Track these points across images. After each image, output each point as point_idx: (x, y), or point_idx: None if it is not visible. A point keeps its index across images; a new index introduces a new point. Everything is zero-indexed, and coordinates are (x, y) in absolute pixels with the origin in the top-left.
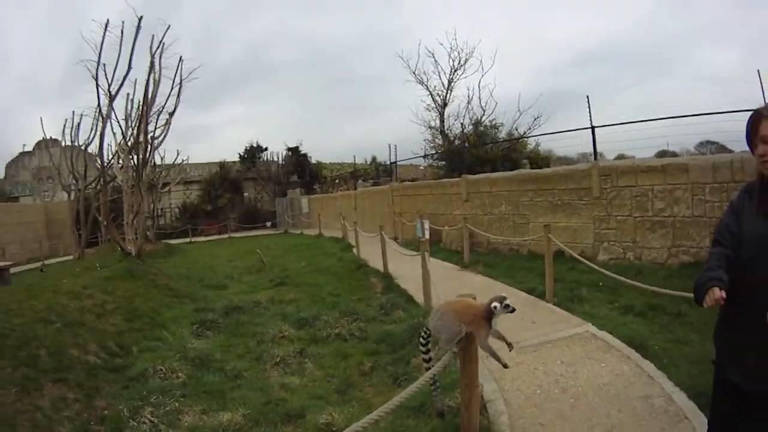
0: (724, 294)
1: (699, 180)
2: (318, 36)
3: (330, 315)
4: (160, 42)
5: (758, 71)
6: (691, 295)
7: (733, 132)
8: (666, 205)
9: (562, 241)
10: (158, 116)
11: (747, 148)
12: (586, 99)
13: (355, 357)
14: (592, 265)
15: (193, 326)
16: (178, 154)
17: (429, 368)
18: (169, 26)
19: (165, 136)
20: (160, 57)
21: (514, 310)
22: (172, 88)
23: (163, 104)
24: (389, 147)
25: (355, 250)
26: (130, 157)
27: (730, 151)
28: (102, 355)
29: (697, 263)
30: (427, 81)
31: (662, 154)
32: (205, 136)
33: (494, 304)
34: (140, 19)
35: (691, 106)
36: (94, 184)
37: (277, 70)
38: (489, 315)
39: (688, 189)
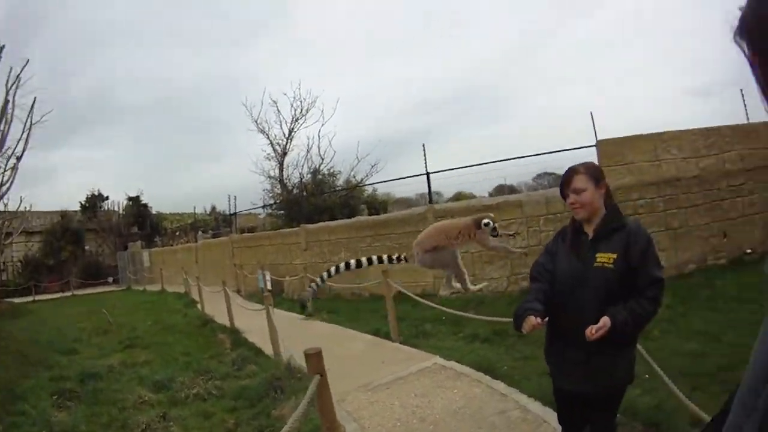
0: (539, 320)
1: (533, 213)
2: (165, 79)
3: (185, 375)
4: (17, 77)
5: (591, 113)
6: None
7: (566, 165)
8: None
9: (403, 281)
10: (7, 160)
11: None
12: (422, 147)
13: (217, 415)
14: (429, 303)
15: (52, 397)
16: (21, 201)
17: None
18: (28, 60)
19: (12, 183)
20: (14, 94)
21: (498, 234)
22: (23, 132)
23: (13, 148)
24: (229, 198)
25: (199, 306)
26: None
27: None
28: None
29: None
30: (269, 130)
31: (500, 189)
32: (47, 179)
33: (486, 220)
34: (2, 48)
35: (530, 140)
36: None
37: (123, 113)
38: (478, 225)
39: (523, 222)
